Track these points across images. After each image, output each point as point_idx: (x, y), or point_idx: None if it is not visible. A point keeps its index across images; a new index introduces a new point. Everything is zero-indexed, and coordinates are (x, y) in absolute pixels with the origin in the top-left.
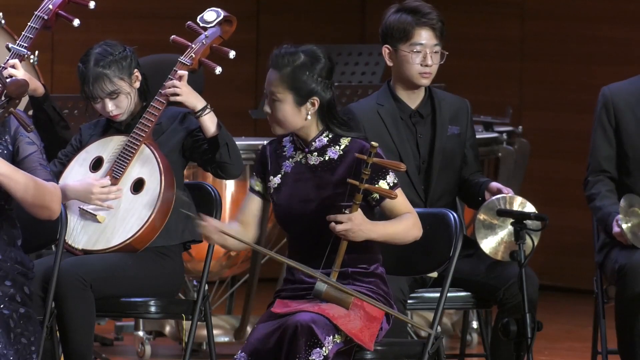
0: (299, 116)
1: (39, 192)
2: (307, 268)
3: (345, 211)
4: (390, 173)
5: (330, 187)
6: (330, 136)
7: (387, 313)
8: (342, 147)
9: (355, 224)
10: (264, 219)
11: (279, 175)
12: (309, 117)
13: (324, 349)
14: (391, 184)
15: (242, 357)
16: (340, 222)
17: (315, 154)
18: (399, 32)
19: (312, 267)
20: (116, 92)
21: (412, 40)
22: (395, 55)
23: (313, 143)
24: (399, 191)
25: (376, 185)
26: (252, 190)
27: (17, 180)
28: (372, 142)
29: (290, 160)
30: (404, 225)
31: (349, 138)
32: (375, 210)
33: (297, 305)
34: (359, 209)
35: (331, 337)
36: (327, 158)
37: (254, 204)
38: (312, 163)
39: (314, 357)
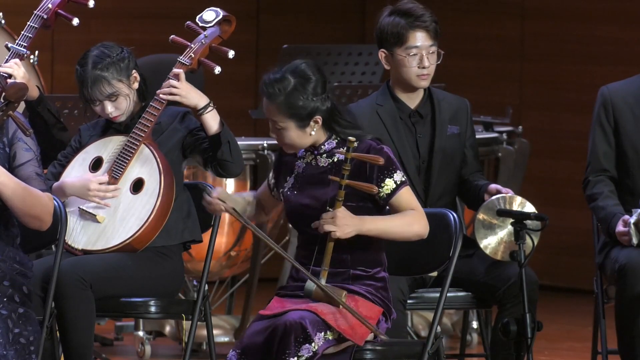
0: (305, 137)
1: (33, 203)
2: (298, 264)
3: (329, 209)
4: (398, 171)
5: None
6: (338, 139)
7: (384, 312)
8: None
9: (338, 220)
10: (269, 212)
11: (293, 175)
12: (314, 133)
13: (313, 344)
14: (398, 182)
15: (233, 356)
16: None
17: (325, 155)
18: (394, 36)
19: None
20: (115, 94)
21: (407, 43)
22: (391, 59)
23: (322, 146)
24: (406, 189)
25: (382, 184)
26: (267, 180)
27: (16, 191)
28: (349, 137)
29: (302, 160)
30: (403, 220)
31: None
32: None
33: (291, 304)
34: (342, 206)
35: (322, 333)
36: (335, 160)
37: (265, 190)
38: (321, 165)
39: (302, 353)
